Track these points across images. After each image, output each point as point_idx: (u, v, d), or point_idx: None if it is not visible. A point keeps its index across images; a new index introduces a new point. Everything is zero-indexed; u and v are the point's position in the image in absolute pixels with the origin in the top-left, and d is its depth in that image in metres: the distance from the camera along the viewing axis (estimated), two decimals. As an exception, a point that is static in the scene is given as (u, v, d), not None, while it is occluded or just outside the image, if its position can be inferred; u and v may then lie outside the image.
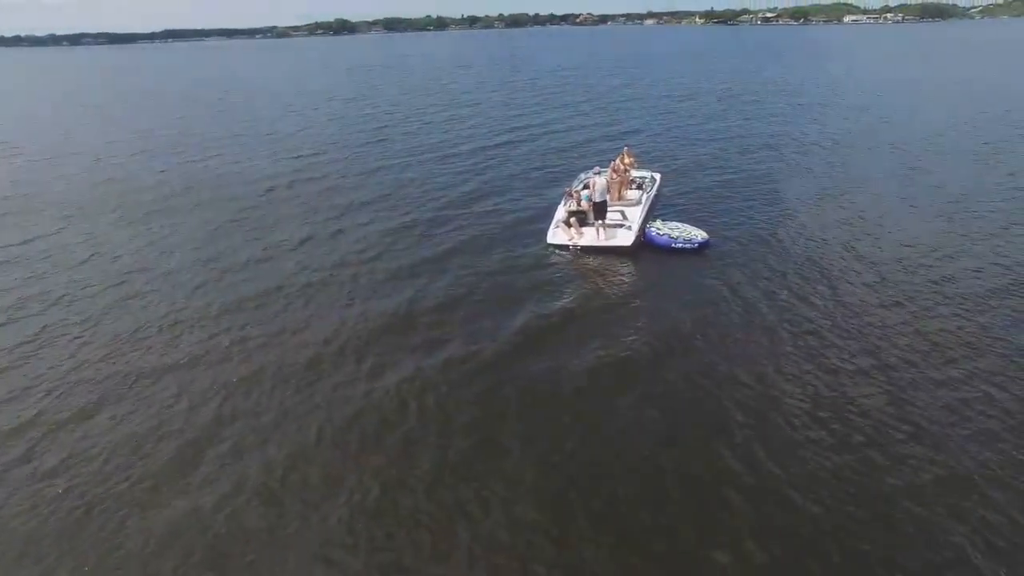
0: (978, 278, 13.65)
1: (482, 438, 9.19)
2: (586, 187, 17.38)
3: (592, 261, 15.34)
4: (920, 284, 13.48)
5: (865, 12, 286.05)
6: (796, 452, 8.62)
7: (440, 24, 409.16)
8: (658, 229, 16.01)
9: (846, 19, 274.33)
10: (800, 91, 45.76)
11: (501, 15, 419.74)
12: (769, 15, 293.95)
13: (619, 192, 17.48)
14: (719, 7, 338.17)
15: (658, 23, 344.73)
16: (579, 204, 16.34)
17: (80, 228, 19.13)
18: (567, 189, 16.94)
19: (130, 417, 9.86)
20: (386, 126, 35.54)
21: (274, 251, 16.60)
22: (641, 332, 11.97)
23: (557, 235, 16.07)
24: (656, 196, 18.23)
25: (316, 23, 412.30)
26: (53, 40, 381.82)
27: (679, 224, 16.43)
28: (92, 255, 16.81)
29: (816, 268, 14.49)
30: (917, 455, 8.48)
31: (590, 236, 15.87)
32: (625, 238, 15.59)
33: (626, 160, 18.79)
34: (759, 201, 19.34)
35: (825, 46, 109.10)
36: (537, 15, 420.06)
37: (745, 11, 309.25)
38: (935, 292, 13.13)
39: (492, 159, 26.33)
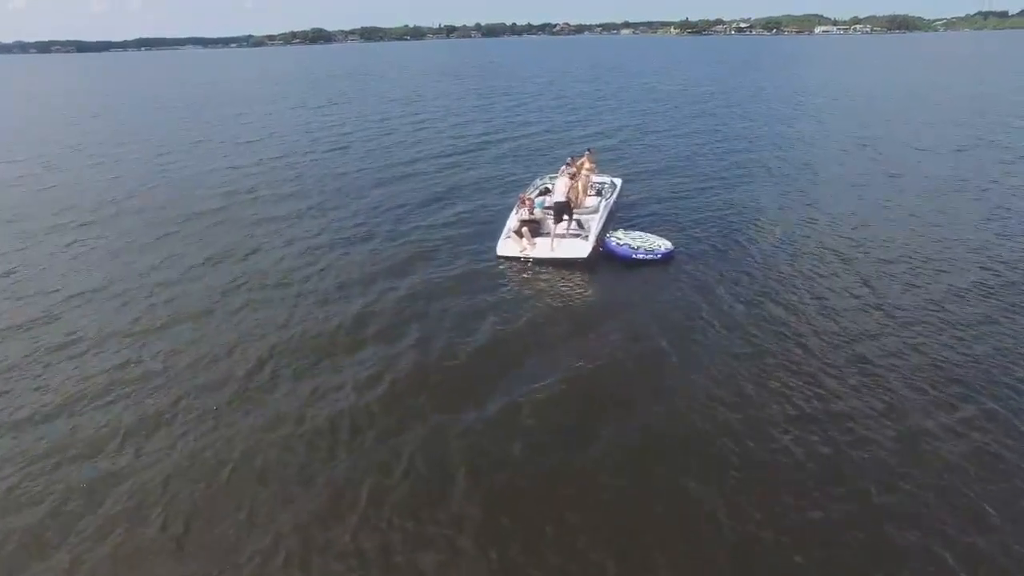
0: (953, 279, 12.59)
1: (424, 473, 7.87)
2: (542, 193, 16.05)
3: (545, 274, 13.93)
4: (905, 293, 12.38)
5: (835, 23, 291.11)
6: (781, 483, 7.47)
7: (417, 33, 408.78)
8: (618, 239, 14.68)
9: (817, 30, 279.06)
10: (772, 97, 45.22)
11: (478, 24, 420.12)
12: (743, 25, 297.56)
13: (576, 198, 16.11)
14: (694, 18, 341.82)
15: (634, 33, 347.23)
16: (531, 212, 14.98)
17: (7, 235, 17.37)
18: (520, 195, 15.59)
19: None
20: (350, 132, 33.76)
21: (215, 265, 14.87)
22: (594, 355, 10.57)
23: (507, 246, 14.66)
24: (617, 203, 16.92)
25: (292, 32, 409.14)
26: (20, 48, 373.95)
27: (641, 234, 15.14)
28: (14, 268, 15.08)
29: (790, 277, 13.34)
30: (912, 477, 7.55)
31: (543, 247, 14.49)
32: (581, 249, 14.23)
33: (587, 165, 17.45)
34: (729, 208, 18.13)
35: (797, 55, 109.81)
36: (514, 25, 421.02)
37: (719, 21, 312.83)
38: (918, 298, 12.14)
39: (456, 166, 24.68)
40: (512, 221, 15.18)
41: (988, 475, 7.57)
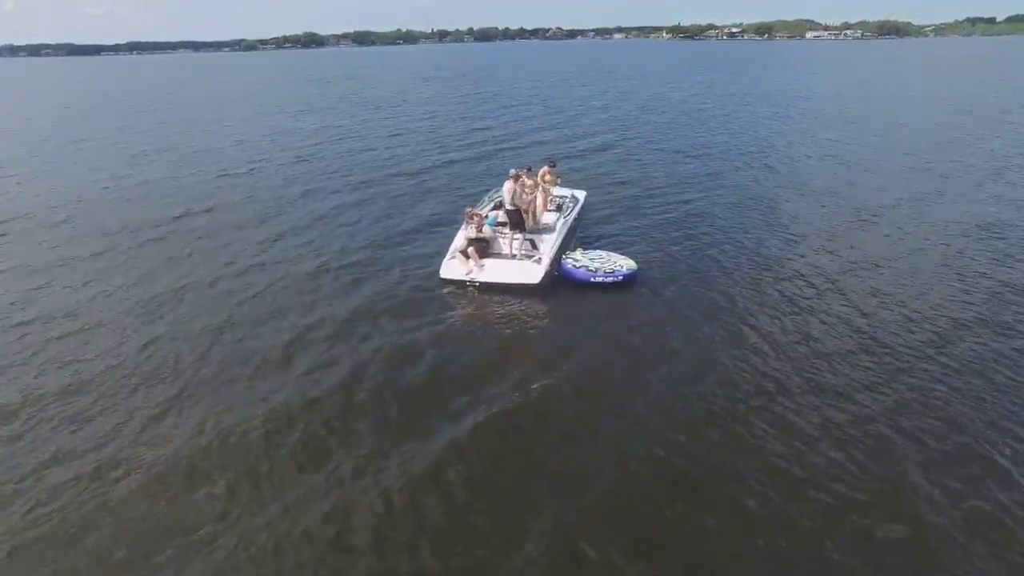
0: (935, 291, 11.19)
1: (357, 531, 6.82)
2: (496, 207, 14.60)
3: (491, 301, 12.49)
4: (890, 318, 11.07)
5: (827, 28, 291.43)
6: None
7: (410, 38, 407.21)
8: (575, 260, 13.26)
9: (808, 35, 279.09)
10: (759, 103, 44.03)
11: (471, 29, 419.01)
12: (735, 30, 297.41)
13: (532, 215, 14.66)
14: (686, 22, 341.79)
15: (626, 38, 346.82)
16: (480, 230, 13.51)
17: None
18: (468, 210, 14.10)
19: None
20: (320, 142, 32.03)
21: (139, 283, 13.61)
22: (539, 391, 9.33)
23: (452, 267, 13.19)
24: (579, 219, 15.44)
25: (284, 36, 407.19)
26: (10, 51, 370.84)
27: (602, 253, 13.74)
28: None
29: (770, 305, 12.09)
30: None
31: (491, 270, 13.05)
32: (532, 273, 12.77)
33: (547, 177, 15.96)
34: (704, 225, 16.82)
35: (787, 60, 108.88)
36: (507, 29, 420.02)
37: (711, 26, 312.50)
38: (896, 314, 11.10)
39: (425, 177, 23.29)
40: (459, 239, 13.71)
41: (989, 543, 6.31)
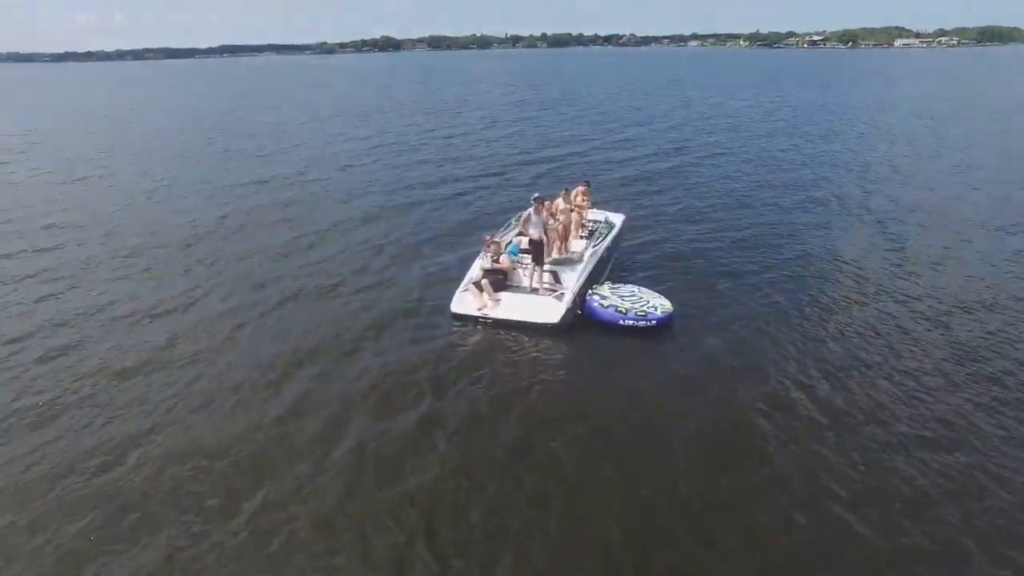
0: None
1: None
2: (521, 234, 13.17)
3: (504, 342, 11.09)
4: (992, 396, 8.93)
5: (918, 36, 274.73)
6: None
7: (483, 43, 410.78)
8: (602, 297, 11.69)
9: (897, 43, 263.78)
10: (842, 118, 40.78)
11: (544, 35, 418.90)
12: (816, 38, 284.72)
13: (560, 242, 13.19)
14: (764, 30, 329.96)
15: (702, 46, 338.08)
16: (497, 260, 12.15)
17: None
18: (488, 236, 12.73)
19: None
20: (374, 148, 31.42)
21: (142, 320, 12.74)
22: (545, 456, 7.99)
23: (464, 301, 11.87)
24: (611, 248, 13.81)
25: (362, 40, 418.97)
26: (119, 55, 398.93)
27: (635, 289, 12.12)
28: None
29: (826, 362, 10.21)
30: None
31: (507, 306, 11.64)
32: (552, 312, 11.28)
33: (579, 199, 14.45)
34: (757, 260, 14.87)
35: (872, 70, 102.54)
36: (580, 35, 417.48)
37: (791, 34, 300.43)
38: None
39: (472, 191, 22.10)
40: (474, 269, 12.39)
41: None
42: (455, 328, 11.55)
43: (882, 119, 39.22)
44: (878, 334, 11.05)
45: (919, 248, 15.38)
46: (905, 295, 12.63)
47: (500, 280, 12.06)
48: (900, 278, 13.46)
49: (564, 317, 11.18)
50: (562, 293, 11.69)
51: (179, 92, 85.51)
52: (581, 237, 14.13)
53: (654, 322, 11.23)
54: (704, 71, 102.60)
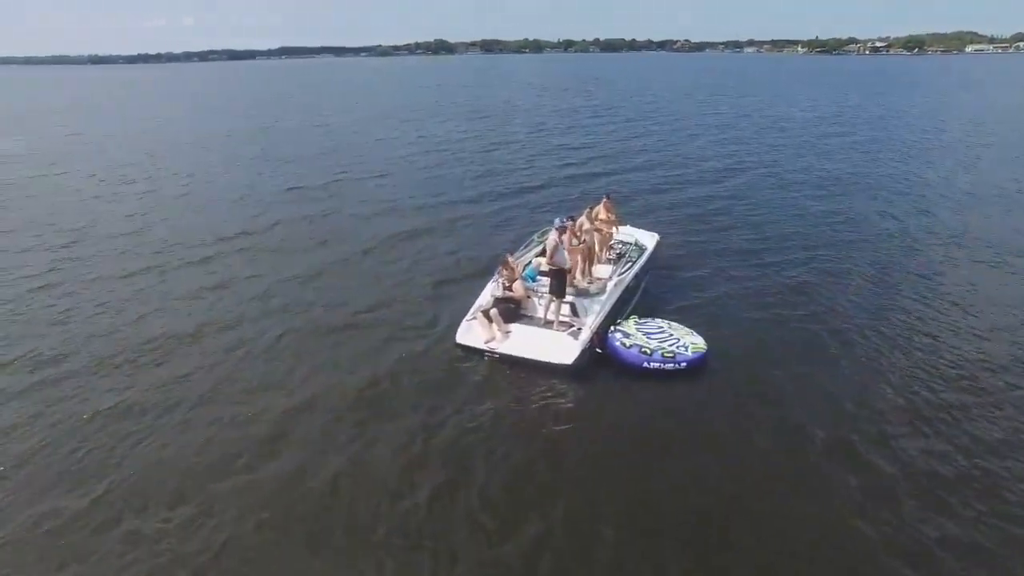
0: None
1: None
2: (541, 253, 11.92)
3: (511, 381, 9.85)
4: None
5: (992, 41, 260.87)
6: None
7: (535, 47, 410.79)
8: (625, 335, 10.31)
9: (968, 49, 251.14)
10: (903, 129, 38.09)
11: (597, 40, 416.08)
12: (879, 45, 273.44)
13: (583, 266, 11.86)
14: (824, 35, 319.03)
15: (758, 52, 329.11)
16: (508, 287, 10.90)
17: None
18: (505, 257, 11.47)
19: None
20: (413, 155, 30.52)
21: (136, 321, 12.20)
22: (544, 528, 6.74)
23: (470, 331, 10.66)
24: (641, 275, 12.38)
25: (416, 43, 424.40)
26: (186, 56, 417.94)
27: (663, 324, 10.72)
28: None
29: (883, 420, 8.74)
30: None
31: (517, 340, 10.41)
32: (566, 351, 9.95)
33: (602, 215, 13.06)
34: (806, 290, 13.22)
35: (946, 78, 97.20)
36: (633, 41, 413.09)
37: (852, 40, 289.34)
38: None
39: (511, 203, 20.74)
40: (484, 296, 11.17)
41: None
42: (459, 361, 10.35)
43: (974, 131, 36.16)
44: (957, 393, 9.37)
45: (1005, 302, 13.43)
46: (986, 356, 10.83)
47: (511, 310, 10.84)
48: (982, 338, 11.57)
49: (579, 358, 9.85)
50: (579, 329, 10.37)
51: (237, 92, 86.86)
52: (608, 260, 12.77)
53: (683, 364, 9.82)
54: (761, 78, 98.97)
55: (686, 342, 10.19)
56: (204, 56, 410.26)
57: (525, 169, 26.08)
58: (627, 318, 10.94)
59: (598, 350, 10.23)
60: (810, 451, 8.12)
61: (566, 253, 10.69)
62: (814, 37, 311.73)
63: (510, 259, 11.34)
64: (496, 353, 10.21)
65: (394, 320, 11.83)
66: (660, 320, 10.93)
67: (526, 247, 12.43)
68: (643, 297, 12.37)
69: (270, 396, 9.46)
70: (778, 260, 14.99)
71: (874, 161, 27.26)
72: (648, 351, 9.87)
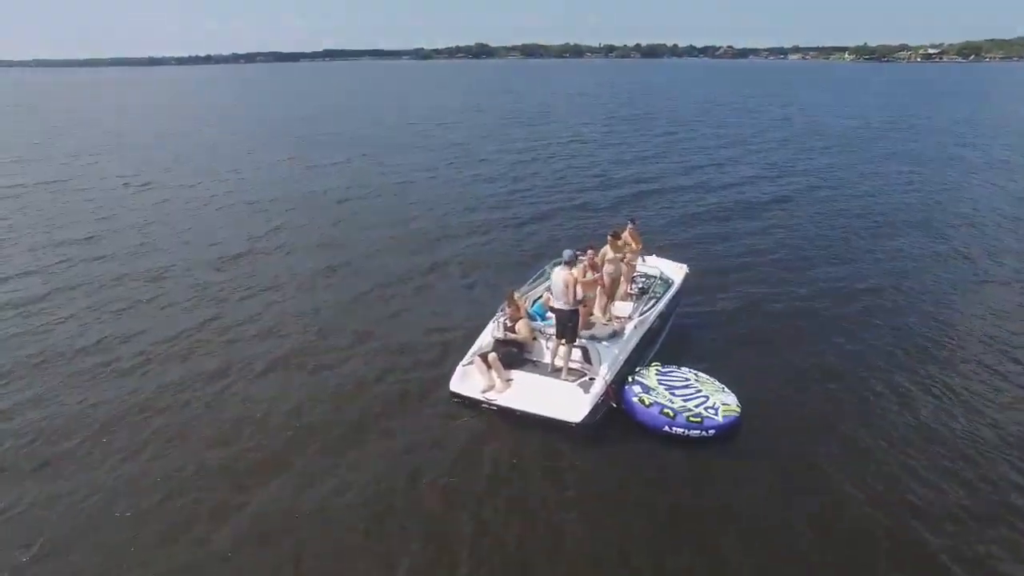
0: None
1: None
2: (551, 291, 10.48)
3: (511, 438, 8.52)
4: None
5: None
6: None
7: (576, 52, 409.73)
8: (646, 388, 8.87)
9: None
10: (977, 148, 35.50)
11: (638, 45, 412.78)
12: (932, 51, 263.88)
13: (603, 302, 10.44)
14: (873, 42, 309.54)
15: (803, 59, 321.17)
16: (514, 327, 9.54)
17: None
18: (511, 291, 10.09)
19: None
20: (447, 160, 29.74)
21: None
22: None
23: (467, 378, 9.33)
24: (667, 314, 10.87)
25: (457, 46, 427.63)
26: (234, 58, 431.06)
27: (691, 377, 9.26)
28: None
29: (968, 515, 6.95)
30: None
31: (518, 390, 9.07)
32: (574, 406, 8.54)
33: (628, 243, 11.53)
34: (874, 340, 11.46)
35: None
36: (675, 46, 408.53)
37: (904, 47, 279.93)
38: None
39: (533, 221, 19.19)
40: (484, 336, 9.83)
41: None
42: (452, 412, 9.04)
43: None
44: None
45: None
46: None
47: (514, 353, 9.48)
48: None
49: (590, 415, 8.44)
50: (591, 380, 8.95)
51: (278, 94, 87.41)
52: (629, 294, 11.30)
53: (712, 432, 8.32)
54: (807, 86, 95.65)
55: (716, 402, 8.69)
56: (251, 58, 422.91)
57: (552, 183, 24.50)
58: (648, 366, 9.49)
59: (613, 405, 8.80)
60: (861, 551, 6.59)
61: (579, 289, 9.26)
62: (862, 43, 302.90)
63: (515, 294, 9.95)
64: (494, 405, 8.87)
65: (388, 358, 10.59)
66: (686, 370, 9.45)
67: (535, 279, 11.03)
68: (667, 338, 10.88)
69: (243, 439, 8.36)
70: (828, 298, 13.18)
71: (939, 183, 24.84)
72: (671, 413, 8.40)
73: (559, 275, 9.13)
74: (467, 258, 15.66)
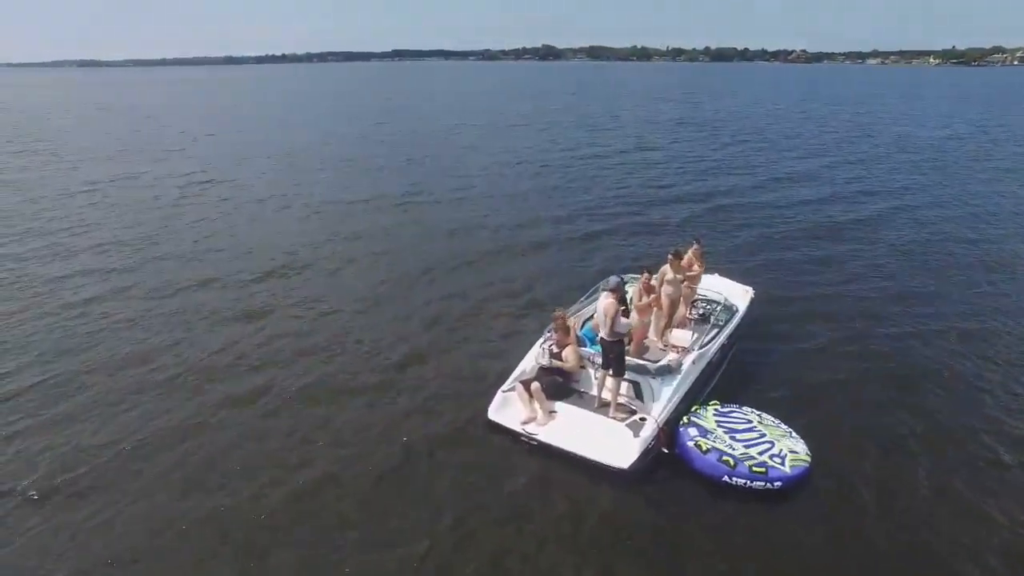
0: None
1: None
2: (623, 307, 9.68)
3: (550, 479, 7.80)
4: None
5: None
6: None
7: (643, 55, 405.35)
8: (703, 431, 8.01)
9: None
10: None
11: (707, 48, 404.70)
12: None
13: (661, 326, 9.63)
14: (962, 45, 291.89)
15: (882, 63, 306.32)
16: (559, 353, 8.83)
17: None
18: (558, 312, 9.26)
19: None
20: (508, 164, 29.35)
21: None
22: None
23: (507, 406, 8.70)
24: (729, 345, 9.90)
25: (523, 48, 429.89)
26: (308, 57, 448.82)
27: (754, 418, 8.38)
28: None
29: None
30: None
31: (561, 426, 8.36)
32: (622, 450, 7.75)
33: (695, 265, 10.63)
34: (971, 378, 10.24)
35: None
36: (746, 50, 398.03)
37: (998, 49, 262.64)
38: None
39: (595, 236, 17.96)
40: (527, 361, 9.17)
41: None
42: (488, 442, 8.41)
43: None
44: None
45: None
46: None
47: (559, 383, 8.77)
48: None
49: (640, 459, 7.65)
50: (642, 419, 8.14)
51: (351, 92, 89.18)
52: (688, 319, 10.42)
53: (777, 484, 7.40)
54: (888, 90, 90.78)
55: (782, 448, 7.76)
56: (323, 57, 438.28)
57: (616, 194, 23.36)
58: (706, 404, 8.61)
59: (664, 450, 7.98)
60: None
61: (620, 320, 8.44)
62: (950, 47, 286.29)
63: (564, 316, 9.19)
64: (534, 439, 8.18)
65: (428, 378, 10.00)
66: (748, 410, 8.54)
67: (588, 298, 10.27)
68: (729, 370, 9.93)
69: (278, 467, 7.96)
70: (917, 340, 11.58)
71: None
72: (732, 461, 7.52)
73: (602, 302, 8.37)
74: (521, 273, 14.86)
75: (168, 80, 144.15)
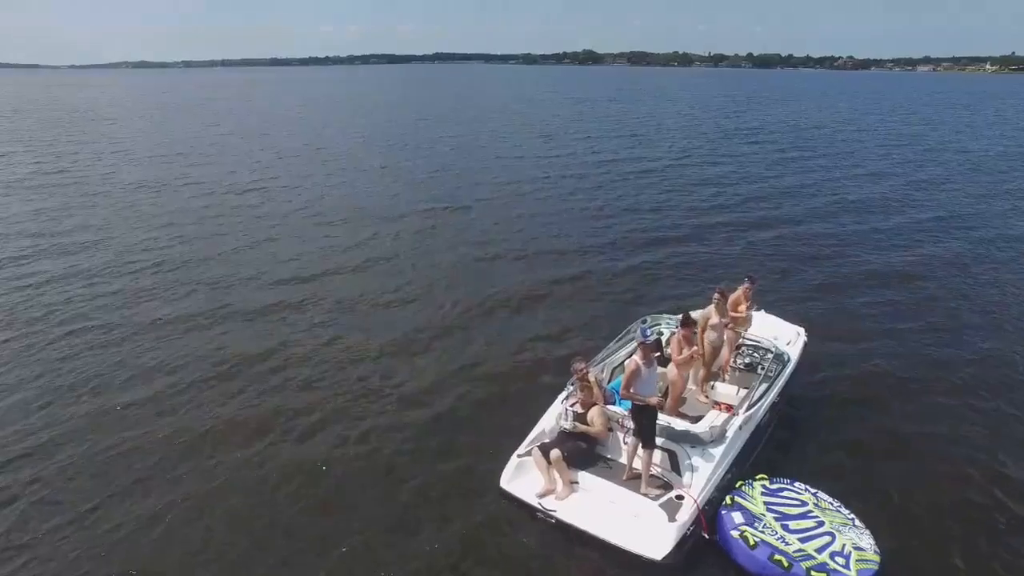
0: None
1: None
2: (654, 359, 8.41)
3: (568, 561, 6.67)
4: None
5: None
6: None
7: (685, 60, 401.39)
8: (751, 515, 6.83)
9: None
10: None
11: (749, 54, 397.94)
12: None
13: (699, 375, 8.49)
14: (1021, 51, 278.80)
15: (934, 70, 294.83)
16: (584, 414, 7.69)
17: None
18: (578, 363, 8.02)
19: None
20: (543, 176, 27.91)
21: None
22: None
23: (521, 474, 7.59)
24: (779, 403, 8.62)
25: (564, 52, 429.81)
26: (350, 60, 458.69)
27: (810, 499, 7.20)
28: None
29: None
30: None
31: (583, 502, 7.23)
32: (656, 538, 6.59)
33: (740, 308, 9.37)
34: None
35: None
36: (790, 56, 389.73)
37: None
38: None
39: (637, 267, 16.21)
40: (546, 420, 8.06)
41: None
42: (499, 517, 7.32)
43: None
44: None
45: None
46: None
47: (582, 449, 7.63)
48: None
49: (675, 549, 6.48)
50: (679, 498, 6.95)
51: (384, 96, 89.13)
52: (732, 367, 9.18)
53: (837, 584, 6.17)
54: (945, 99, 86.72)
55: (845, 544, 6.52)
56: (366, 60, 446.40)
57: (657, 210, 21.97)
58: (753, 482, 7.37)
59: (705, 535, 6.80)
60: None
61: (672, 367, 7.28)
62: (1011, 53, 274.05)
63: (586, 369, 7.98)
64: (552, 516, 7.08)
65: (442, 436, 8.83)
66: (802, 487, 7.31)
67: (617, 342, 9.12)
68: (780, 429, 8.66)
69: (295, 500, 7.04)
70: (1010, 401, 9.91)
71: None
72: (785, 561, 6.29)
73: (634, 363, 7.20)
74: (551, 302, 13.60)
75: (226, 82, 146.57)
